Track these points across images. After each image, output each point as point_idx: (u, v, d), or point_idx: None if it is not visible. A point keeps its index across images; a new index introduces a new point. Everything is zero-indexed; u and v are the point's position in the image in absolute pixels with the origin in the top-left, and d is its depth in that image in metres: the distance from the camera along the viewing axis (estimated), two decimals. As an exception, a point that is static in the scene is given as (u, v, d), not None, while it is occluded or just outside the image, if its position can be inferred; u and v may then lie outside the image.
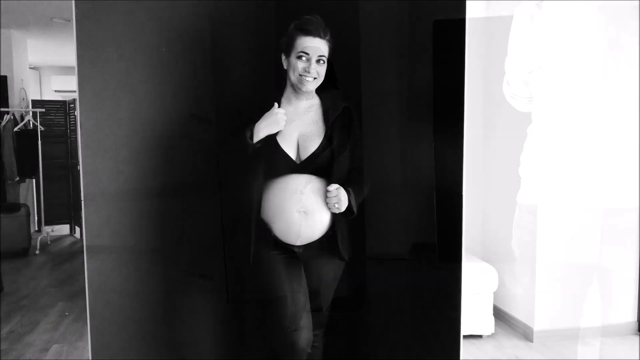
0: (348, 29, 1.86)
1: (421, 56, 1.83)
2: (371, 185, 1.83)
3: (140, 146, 1.80)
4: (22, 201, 5.81)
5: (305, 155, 1.69)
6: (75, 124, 5.79)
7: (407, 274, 1.93)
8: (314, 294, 1.75)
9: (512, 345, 3.04)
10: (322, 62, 1.68)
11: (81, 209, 1.71)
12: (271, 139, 1.68)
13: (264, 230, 1.71)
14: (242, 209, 1.75)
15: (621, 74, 3.09)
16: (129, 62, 1.76)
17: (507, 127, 3.32)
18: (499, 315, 3.35)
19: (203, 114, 1.91)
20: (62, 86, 8.79)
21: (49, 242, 5.90)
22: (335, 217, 1.71)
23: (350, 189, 1.70)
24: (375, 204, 1.87)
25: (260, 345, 2.10)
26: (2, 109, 5.43)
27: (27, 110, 5.81)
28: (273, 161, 1.69)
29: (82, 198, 1.69)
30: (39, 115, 5.69)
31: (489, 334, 3.11)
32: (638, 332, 3.20)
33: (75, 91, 1.68)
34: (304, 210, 1.66)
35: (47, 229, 6.05)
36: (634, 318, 3.22)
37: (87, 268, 1.71)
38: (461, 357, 1.79)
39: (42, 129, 5.72)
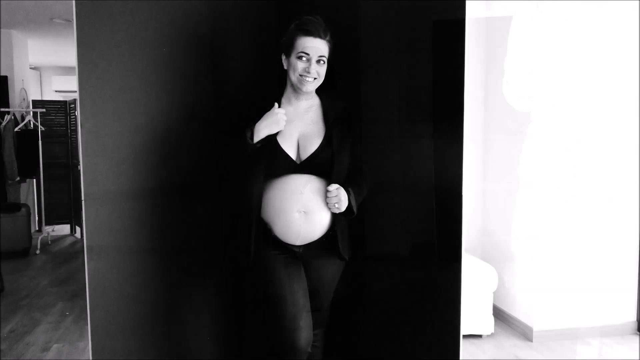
0: (348, 29, 1.86)
1: (421, 56, 1.83)
2: (371, 185, 1.84)
3: (140, 146, 1.80)
4: (22, 201, 5.82)
5: (305, 155, 1.69)
6: (75, 124, 5.80)
7: (407, 274, 1.93)
8: (313, 294, 1.75)
9: (511, 344, 3.04)
10: (322, 62, 1.68)
11: (82, 209, 1.71)
12: (271, 139, 1.68)
13: (264, 230, 1.71)
14: (242, 208, 1.75)
15: (621, 74, 3.10)
16: (129, 62, 1.76)
17: (507, 127, 3.31)
18: (499, 315, 3.35)
19: (202, 114, 1.92)
20: (63, 86, 8.80)
21: (49, 242, 5.90)
22: (335, 217, 1.71)
23: (350, 189, 1.70)
24: (375, 204, 1.87)
25: (260, 345, 2.10)
26: (2, 109, 5.44)
27: (27, 110, 5.82)
28: (273, 161, 1.69)
29: (83, 198, 1.69)
30: (40, 116, 5.70)
31: (489, 333, 3.11)
32: (638, 332, 3.20)
33: (75, 91, 1.68)
34: (304, 210, 1.66)
35: (47, 228, 6.05)
36: (634, 318, 3.22)
37: (88, 268, 1.71)
38: (461, 357, 1.79)
39: (43, 129, 5.73)
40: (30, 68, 7.20)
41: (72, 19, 1.63)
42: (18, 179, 5.47)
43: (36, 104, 6.21)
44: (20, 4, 4.89)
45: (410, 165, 1.91)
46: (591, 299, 3.14)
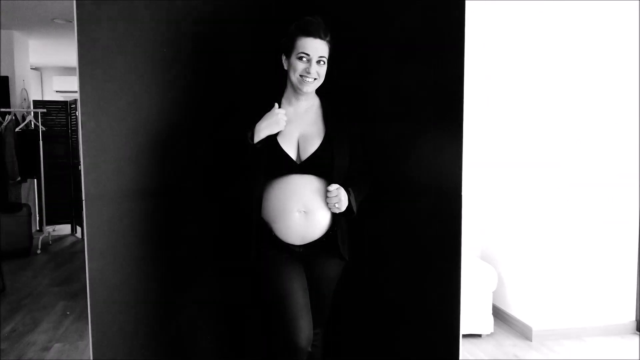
0: (348, 29, 1.86)
1: (421, 56, 1.83)
2: (371, 185, 1.84)
3: (141, 146, 1.80)
4: (23, 201, 5.83)
5: (305, 155, 1.70)
6: (76, 124, 5.80)
7: (407, 273, 1.94)
8: (314, 294, 1.75)
9: (511, 344, 3.04)
10: (322, 62, 1.69)
11: (82, 209, 1.71)
12: (272, 139, 1.68)
13: (265, 230, 1.71)
14: (243, 209, 1.75)
15: (621, 74, 3.10)
16: (130, 63, 1.76)
17: (507, 127, 3.32)
18: (498, 314, 3.35)
19: (203, 114, 1.92)
20: (64, 86, 8.81)
21: (50, 242, 5.91)
22: (335, 216, 1.72)
23: (350, 189, 1.71)
24: (375, 204, 1.88)
25: (261, 344, 2.11)
26: (3, 110, 5.45)
27: (28, 110, 5.82)
28: (273, 161, 1.69)
29: (84, 198, 1.69)
30: (41, 116, 5.70)
31: (488, 333, 3.12)
32: (637, 332, 3.20)
33: (76, 91, 1.68)
34: (304, 210, 1.67)
35: (48, 228, 6.06)
36: (634, 317, 3.22)
37: (88, 268, 1.71)
38: (460, 356, 1.79)
39: (44, 129, 5.74)
40: (31, 68, 7.21)
41: (73, 20, 1.64)
42: (19, 179, 5.48)
43: (37, 104, 6.22)
44: (21, 5, 4.90)
45: (410, 165, 1.91)
46: (591, 298, 3.14)
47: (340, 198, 1.66)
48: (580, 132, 3.06)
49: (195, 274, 1.99)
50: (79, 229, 6.25)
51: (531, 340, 3.06)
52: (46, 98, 8.61)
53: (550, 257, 3.07)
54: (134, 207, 1.81)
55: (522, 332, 3.15)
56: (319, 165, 1.70)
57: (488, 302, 3.11)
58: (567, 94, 3.03)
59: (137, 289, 1.85)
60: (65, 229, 6.48)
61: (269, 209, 1.70)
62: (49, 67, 8.99)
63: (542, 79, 3.04)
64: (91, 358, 1.75)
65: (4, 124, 5.34)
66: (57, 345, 3.05)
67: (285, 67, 1.72)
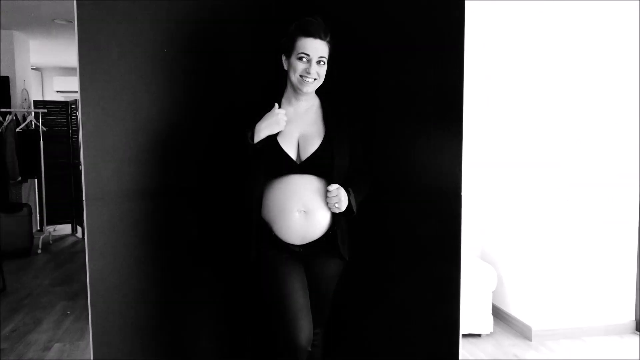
0: (348, 29, 1.87)
1: (421, 56, 1.83)
2: (370, 185, 1.84)
3: (141, 146, 1.81)
4: (24, 201, 5.83)
5: (305, 155, 1.70)
6: (77, 125, 5.81)
7: (407, 273, 1.94)
8: (314, 293, 1.75)
9: (510, 344, 3.05)
10: (322, 63, 1.69)
11: (83, 209, 1.72)
12: (272, 140, 1.69)
13: (265, 230, 1.72)
14: (243, 208, 1.76)
15: (621, 73, 3.10)
16: (130, 63, 1.76)
17: (507, 127, 3.32)
18: (498, 314, 3.36)
19: (204, 114, 1.92)
20: (64, 87, 8.82)
21: (50, 242, 5.91)
22: (335, 216, 1.72)
23: (350, 189, 1.71)
24: (375, 203, 1.88)
25: (261, 344, 2.11)
26: (4, 110, 5.45)
27: (29, 110, 5.83)
28: (273, 161, 1.70)
29: (84, 198, 1.69)
30: (41, 116, 5.71)
31: (488, 332, 3.12)
32: (636, 331, 3.21)
33: (77, 92, 1.68)
34: (304, 210, 1.67)
35: (49, 228, 6.07)
36: (633, 317, 3.22)
37: (89, 267, 1.71)
38: (460, 356, 1.79)
39: (44, 129, 5.74)
40: (31, 68, 7.22)
41: (74, 20, 1.64)
42: (19, 179, 5.48)
43: (37, 104, 6.22)
44: (21, 5, 4.91)
45: (410, 165, 1.91)
46: (590, 298, 3.14)
47: (340, 198, 1.67)
48: (580, 132, 3.07)
49: (195, 274, 1.99)
50: (79, 228, 6.26)
51: (531, 340, 3.06)
52: (47, 98, 8.62)
53: (549, 257, 3.07)
54: (134, 207, 1.81)
55: (522, 331, 3.15)
56: (319, 165, 1.70)
57: (488, 302, 3.11)
58: (567, 93, 3.03)
59: (138, 288, 1.85)
60: (65, 228, 6.49)
61: (269, 208, 1.70)
62: (50, 68, 9.00)
63: (542, 79, 3.04)
64: (91, 358, 1.75)
65: (5, 124, 5.35)
66: (57, 345, 3.05)
67: (285, 68, 1.72)
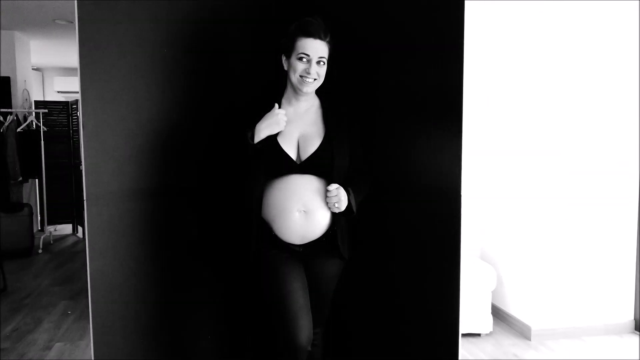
0: (348, 29, 1.87)
1: (421, 56, 1.83)
2: (370, 184, 1.85)
3: (142, 146, 1.81)
4: (25, 201, 5.84)
5: (305, 155, 1.71)
6: (77, 125, 5.82)
7: (407, 273, 1.94)
8: (314, 293, 1.76)
9: (510, 343, 3.05)
10: (322, 63, 1.70)
11: (84, 209, 1.72)
12: (272, 140, 1.69)
13: (265, 230, 1.72)
14: (243, 208, 1.76)
15: (621, 73, 3.10)
16: (130, 63, 1.77)
17: (507, 127, 3.32)
18: (497, 314, 3.36)
19: (204, 115, 1.93)
20: (65, 87, 8.84)
21: (51, 242, 5.92)
22: (335, 216, 1.73)
23: (350, 189, 1.71)
24: (375, 203, 1.88)
25: (261, 344, 2.12)
26: (5, 110, 5.46)
27: (30, 111, 5.84)
28: (273, 161, 1.70)
29: (85, 198, 1.69)
30: (42, 116, 5.71)
31: (487, 332, 3.12)
32: (636, 331, 3.21)
33: (77, 92, 1.68)
34: (304, 209, 1.67)
35: (49, 228, 6.08)
36: (632, 316, 3.23)
37: (90, 267, 1.71)
38: (460, 356, 1.80)
39: (45, 129, 5.75)
40: (32, 69, 7.22)
41: (74, 20, 1.64)
42: (20, 179, 5.49)
43: (38, 104, 6.23)
44: (22, 6, 4.92)
45: (410, 165, 1.92)
46: (589, 298, 3.15)
47: (340, 198, 1.67)
48: (580, 135, 3.07)
49: (195, 274, 2.00)
50: (80, 228, 6.26)
51: (530, 340, 3.07)
52: (47, 98, 8.63)
53: (549, 257, 3.07)
54: (135, 207, 1.82)
55: (521, 331, 3.15)
56: (318, 165, 1.70)
57: (487, 302, 3.11)
58: (567, 95, 3.04)
59: (138, 288, 1.86)
60: (66, 228, 6.49)
61: (269, 208, 1.70)
62: (50, 68, 9.02)
63: (542, 79, 3.04)
64: (92, 357, 1.75)
65: (6, 124, 5.35)
66: (58, 345, 3.05)
67: (285, 68, 1.73)
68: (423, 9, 1.80)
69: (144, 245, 1.85)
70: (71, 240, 6.14)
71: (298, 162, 1.71)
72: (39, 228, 6.28)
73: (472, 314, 3.05)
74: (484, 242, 3.57)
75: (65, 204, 6.15)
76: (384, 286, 2.02)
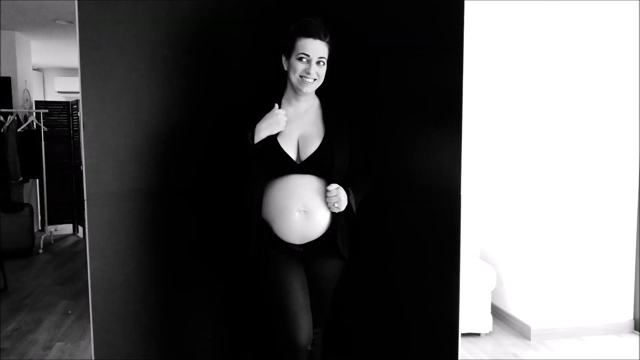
0: (348, 29, 1.87)
1: (421, 56, 1.84)
2: (370, 184, 1.85)
3: (142, 146, 1.81)
4: (25, 201, 5.84)
5: (305, 155, 1.71)
6: (78, 125, 5.82)
7: (407, 273, 1.94)
8: (314, 293, 1.76)
9: (509, 343, 3.05)
10: (322, 63, 1.70)
11: (84, 209, 1.72)
12: (272, 140, 1.69)
13: (265, 230, 1.72)
14: (243, 208, 1.76)
15: (621, 73, 3.10)
16: (131, 63, 1.77)
17: (507, 127, 3.33)
18: (497, 313, 3.36)
19: (204, 115, 1.93)
20: (65, 87, 8.84)
21: (52, 242, 5.93)
22: (335, 216, 1.73)
23: (349, 189, 1.71)
24: (374, 203, 1.89)
25: (261, 343, 2.12)
26: (6, 110, 5.47)
27: (30, 111, 5.84)
28: (273, 161, 1.70)
29: (85, 198, 1.70)
30: (42, 116, 5.72)
31: (487, 332, 3.13)
32: (635, 331, 3.21)
33: (78, 92, 1.68)
34: (304, 209, 1.68)
35: (50, 228, 6.08)
36: (631, 316, 3.23)
37: (90, 267, 1.71)
38: (459, 355, 1.80)
39: (46, 129, 5.75)
40: (33, 69, 7.23)
41: (75, 21, 1.64)
42: (21, 179, 5.49)
43: (39, 104, 6.23)
44: (23, 6, 4.92)
45: (410, 164, 1.92)
46: (589, 297, 3.15)
47: (340, 198, 1.67)
48: (579, 132, 3.07)
49: (195, 274, 2.00)
50: (80, 228, 6.27)
51: (530, 339, 3.07)
52: (48, 98, 8.64)
53: (548, 257, 3.08)
54: (135, 207, 1.82)
55: (521, 331, 3.15)
56: (318, 165, 1.71)
57: (487, 302, 3.12)
58: (566, 93, 3.04)
59: (138, 288, 1.86)
60: (67, 228, 6.50)
61: (269, 208, 1.71)
62: (51, 68, 9.03)
63: (542, 79, 3.04)
64: (92, 357, 1.76)
65: (7, 124, 5.36)
66: (58, 344, 3.06)
67: (285, 68, 1.73)
68: (423, 9, 1.80)
69: (144, 245, 1.86)
70: (71, 240, 6.14)
71: (298, 162, 1.71)
72: (40, 228, 6.28)
73: (471, 313, 3.06)
74: (484, 242, 3.57)
75: (66, 204, 6.16)
76: (384, 286, 2.02)
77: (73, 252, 5.53)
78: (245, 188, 1.75)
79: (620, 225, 3.17)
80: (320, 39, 1.67)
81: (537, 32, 3.04)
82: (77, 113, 5.92)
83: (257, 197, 1.72)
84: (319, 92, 1.79)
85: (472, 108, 3.42)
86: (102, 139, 1.72)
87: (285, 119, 1.69)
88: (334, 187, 1.67)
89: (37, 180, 6.04)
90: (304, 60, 1.67)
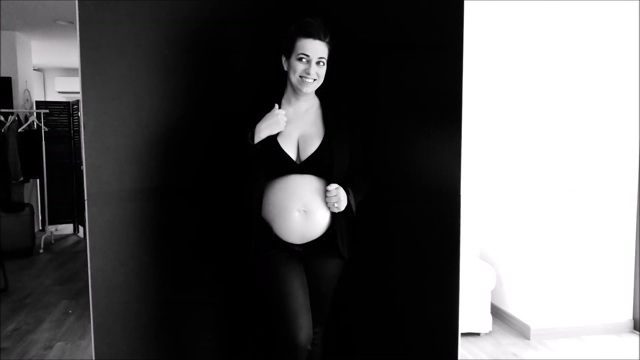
0: (348, 29, 1.88)
1: (421, 56, 1.84)
2: (370, 184, 1.85)
3: (142, 146, 1.82)
4: (26, 201, 5.85)
5: (305, 155, 1.71)
6: (78, 125, 5.83)
7: (407, 272, 1.95)
8: (313, 292, 1.76)
9: (509, 343, 3.05)
10: (322, 64, 1.70)
11: (84, 209, 1.73)
12: (272, 140, 1.70)
13: (265, 229, 1.73)
14: (243, 208, 1.77)
15: (621, 73, 3.11)
16: (131, 63, 1.77)
17: (506, 127, 3.33)
18: (497, 313, 3.36)
19: (204, 115, 1.94)
20: (66, 87, 8.84)
21: (52, 241, 5.93)
22: (334, 216, 1.73)
23: (349, 189, 1.72)
24: (374, 203, 1.89)
25: (261, 343, 2.12)
26: (6, 110, 5.47)
27: (31, 111, 5.85)
28: (273, 161, 1.71)
29: (86, 198, 1.70)
30: (43, 116, 5.73)
31: (487, 331, 3.13)
32: (634, 330, 3.21)
33: (78, 92, 1.69)
34: (304, 209, 1.68)
35: (51, 228, 6.08)
36: (631, 316, 3.23)
37: (90, 267, 1.71)
38: (459, 355, 1.80)
39: (46, 129, 5.76)
40: (33, 69, 7.23)
41: (75, 21, 1.65)
42: (22, 179, 5.50)
43: (39, 104, 6.24)
44: (23, 6, 4.93)
45: (410, 165, 1.92)
46: (588, 297, 3.15)
47: (340, 198, 1.68)
48: (578, 132, 3.07)
49: (195, 274, 2.00)
50: (81, 228, 6.27)
51: (529, 339, 3.07)
52: (48, 99, 8.64)
53: (548, 257, 3.08)
54: (135, 206, 1.83)
55: (521, 330, 3.16)
56: (318, 165, 1.71)
57: (487, 301, 3.12)
58: (566, 93, 3.04)
59: (138, 288, 1.86)
60: (67, 228, 6.50)
61: (269, 208, 1.71)
62: (52, 68, 9.03)
63: (542, 79, 3.05)
64: (93, 357, 1.76)
65: (7, 124, 5.36)
66: (59, 344, 3.06)
67: (285, 68, 1.73)
68: (423, 9, 1.80)
69: (144, 245, 1.86)
70: (72, 240, 6.15)
71: (298, 162, 1.71)
72: (40, 228, 6.29)
73: (471, 313, 3.06)
74: (484, 242, 3.57)
75: (66, 204, 6.16)
76: (384, 286, 2.02)
77: (73, 252, 5.53)
78: (245, 188, 1.75)
79: (619, 224, 3.18)
80: (320, 39, 1.68)
81: (537, 33, 3.04)
82: (77, 113, 5.93)
83: (257, 197, 1.72)
84: (319, 92, 1.80)
85: (472, 108, 3.43)
86: (103, 139, 1.73)
87: (285, 119, 1.69)
88: (333, 187, 1.67)
89: (38, 180, 6.04)
90: (304, 60, 1.68)
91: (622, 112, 3.13)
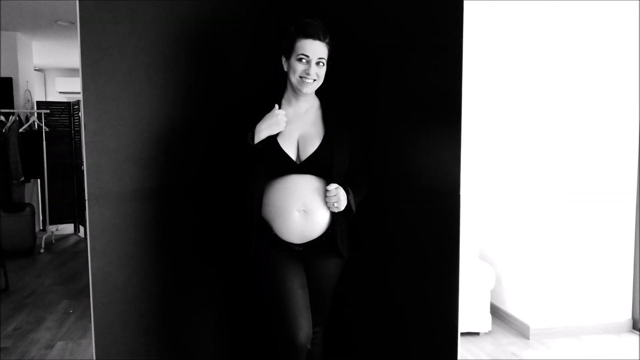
0: (347, 30, 1.88)
1: (420, 56, 1.84)
2: (370, 184, 1.86)
3: (143, 147, 1.82)
4: (27, 201, 5.85)
5: (305, 155, 1.72)
6: (79, 125, 5.83)
7: (406, 272, 1.95)
8: (313, 292, 1.77)
9: (508, 342, 3.06)
10: (321, 64, 1.71)
11: (85, 209, 1.73)
12: (272, 140, 1.70)
13: (265, 229, 1.73)
14: (243, 208, 1.77)
15: (621, 73, 3.11)
16: (132, 64, 1.78)
17: (506, 127, 3.33)
18: (496, 313, 3.37)
19: (204, 115, 1.94)
20: (67, 88, 8.85)
21: (53, 241, 5.94)
22: (334, 216, 1.74)
23: (349, 189, 1.72)
24: (374, 203, 1.89)
25: (260, 344, 2.13)
26: (7, 110, 5.48)
27: (32, 111, 5.85)
28: (273, 161, 1.71)
29: (86, 197, 1.70)
30: (44, 116, 5.73)
31: (486, 331, 3.13)
32: (634, 330, 3.22)
33: (79, 92, 1.69)
34: (303, 209, 1.68)
35: (51, 228, 6.09)
36: (630, 316, 3.23)
37: (91, 266, 1.72)
38: (459, 354, 1.80)
39: (47, 129, 5.76)
40: (34, 70, 7.24)
41: (76, 21, 1.65)
42: (23, 179, 5.51)
43: (40, 105, 6.24)
44: (24, 7, 4.93)
45: (410, 165, 1.92)
46: (587, 297, 3.15)
47: (339, 197, 1.68)
48: (578, 132, 3.08)
49: (196, 274, 2.01)
50: (81, 228, 6.28)
51: (529, 339, 3.08)
52: (49, 99, 8.65)
53: (547, 256, 3.08)
54: (136, 206, 1.83)
55: (520, 330, 3.16)
56: (318, 165, 1.71)
57: (486, 301, 3.12)
58: (566, 94, 3.04)
59: (139, 287, 1.87)
60: (68, 228, 6.51)
61: (269, 208, 1.72)
62: (52, 69, 9.03)
63: (542, 79, 3.05)
64: (93, 356, 1.76)
65: (8, 124, 5.37)
66: (60, 344, 3.07)
67: (285, 69, 1.74)
68: (423, 9, 1.81)
69: (145, 245, 1.86)
70: (73, 239, 6.16)
71: (298, 162, 1.72)
72: (41, 228, 6.30)
73: (471, 313, 3.06)
74: (483, 242, 3.58)
75: (67, 204, 6.17)
76: (384, 285, 2.02)
77: (74, 251, 5.54)
78: (246, 188, 1.76)
79: (618, 224, 3.18)
80: (320, 39, 1.68)
81: (537, 33, 3.04)
82: (78, 113, 5.93)
83: (257, 197, 1.73)
84: (319, 93, 1.80)
85: (472, 108, 3.43)
86: (103, 139, 1.73)
87: (285, 119, 1.70)
88: (333, 187, 1.68)
89: (39, 180, 6.05)
90: (304, 61, 1.68)
91: (621, 112, 3.13)
